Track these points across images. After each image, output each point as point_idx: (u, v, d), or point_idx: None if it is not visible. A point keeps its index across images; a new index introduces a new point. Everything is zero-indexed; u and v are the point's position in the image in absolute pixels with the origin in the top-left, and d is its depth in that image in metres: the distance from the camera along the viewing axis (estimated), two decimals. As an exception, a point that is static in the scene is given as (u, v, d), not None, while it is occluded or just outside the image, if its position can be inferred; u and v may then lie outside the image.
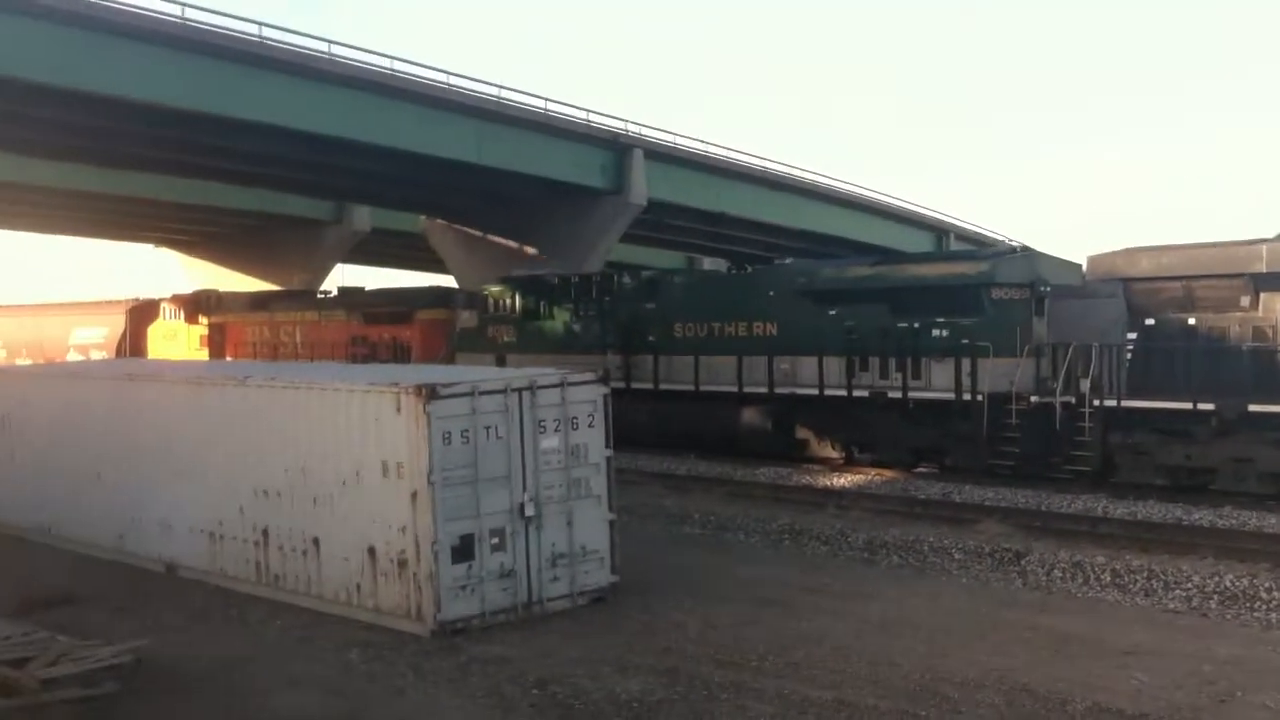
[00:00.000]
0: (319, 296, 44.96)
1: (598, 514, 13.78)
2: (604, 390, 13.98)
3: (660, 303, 28.83)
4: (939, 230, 66.23)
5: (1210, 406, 20.38)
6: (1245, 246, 21.74)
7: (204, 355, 42.14)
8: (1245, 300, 21.58)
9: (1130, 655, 11.64)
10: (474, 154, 39.15)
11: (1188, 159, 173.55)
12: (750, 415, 26.66)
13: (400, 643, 12.19)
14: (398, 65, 36.71)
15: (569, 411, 13.57)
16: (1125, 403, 21.33)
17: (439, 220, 49.24)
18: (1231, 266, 21.69)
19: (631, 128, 44.54)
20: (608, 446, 13.89)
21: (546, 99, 41.53)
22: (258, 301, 43.96)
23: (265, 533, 14.24)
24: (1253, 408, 20.01)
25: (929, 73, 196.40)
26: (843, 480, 23.79)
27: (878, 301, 24.66)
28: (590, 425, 13.75)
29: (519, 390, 13.22)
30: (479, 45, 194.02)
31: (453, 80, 38.34)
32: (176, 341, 44.23)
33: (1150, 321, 22.65)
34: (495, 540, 12.91)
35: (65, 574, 15.68)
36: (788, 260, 30.65)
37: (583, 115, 42.92)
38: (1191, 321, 22.21)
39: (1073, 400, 21.78)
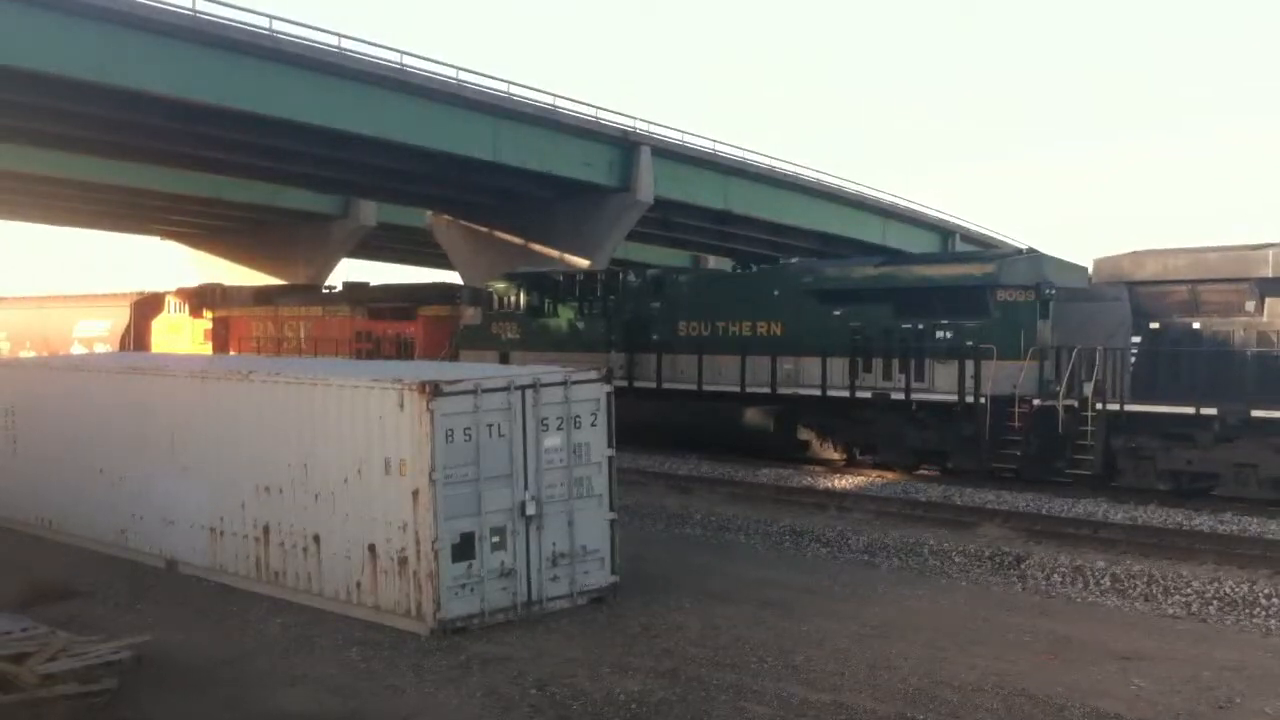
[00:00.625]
0: (324, 292, 44.97)
1: (599, 514, 13.77)
2: (607, 389, 13.97)
3: (665, 301, 28.81)
4: (945, 231, 66.16)
5: (1213, 411, 20.35)
6: (1251, 251, 21.70)
7: (208, 349, 42.18)
8: (1250, 305, 21.54)
9: (1129, 660, 11.64)
10: (484, 151, 39.15)
11: (1197, 161, 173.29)
12: (753, 415, 26.64)
13: (400, 641, 12.19)
14: (408, 60, 36.73)
15: (572, 410, 13.56)
16: (1128, 407, 21.30)
17: (445, 216, 49.24)
18: (1237, 271, 21.65)
19: (640, 125, 44.51)
20: (610, 446, 13.88)
21: (555, 95, 41.55)
22: (262, 296, 43.98)
23: (266, 529, 14.25)
24: (1256, 413, 19.97)
25: (936, 73, 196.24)
26: (844, 482, 23.77)
27: (882, 302, 24.64)
28: (593, 424, 13.75)
29: (522, 388, 13.22)
30: (487, 41, 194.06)
31: (463, 76, 38.35)
32: (180, 335, 44.27)
33: (1155, 325, 22.60)
34: (496, 539, 12.90)
35: (66, 569, 15.71)
36: (793, 260, 30.61)
37: (591, 112, 42.92)
38: (1196, 326, 22.16)
39: (1076, 403, 21.75)
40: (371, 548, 12.96)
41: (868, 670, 11.15)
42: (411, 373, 13.97)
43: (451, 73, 38.15)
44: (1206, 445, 20.64)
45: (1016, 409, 22.15)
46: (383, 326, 37.61)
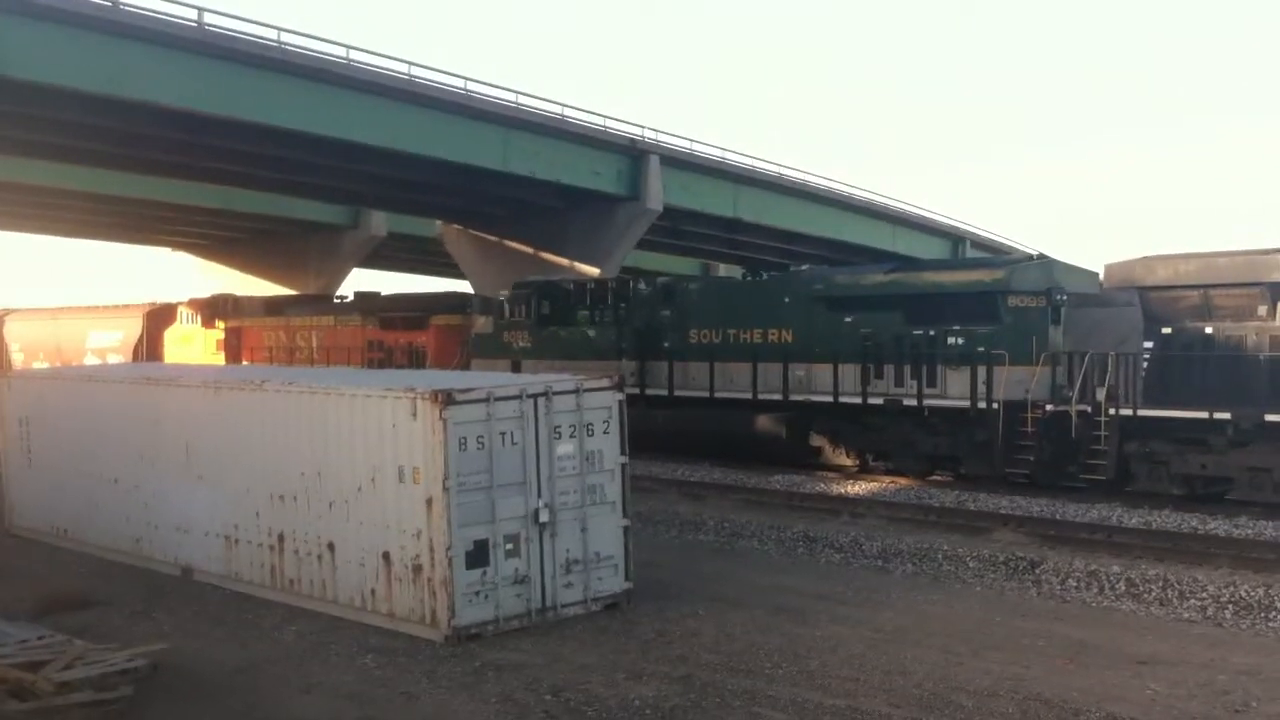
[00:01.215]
0: (335, 301, 45.06)
1: (612, 520, 13.80)
2: (619, 396, 14.01)
3: (676, 309, 28.85)
4: (955, 238, 66.08)
5: (1227, 416, 20.33)
6: (1263, 255, 21.70)
7: (220, 359, 42.26)
8: (1263, 309, 21.53)
9: (1145, 665, 11.62)
10: (494, 160, 39.20)
11: (1208, 165, 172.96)
12: (765, 422, 26.65)
13: (415, 648, 12.21)
14: (416, 71, 36.78)
15: (584, 418, 13.60)
16: (1141, 411, 21.29)
17: (455, 226, 49.32)
18: (1249, 275, 21.64)
19: (648, 134, 44.53)
20: (623, 453, 13.91)
21: (563, 105, 41.62)
22: (274, 306, 44.07)
23: (281, 537, 14.29)
24: (1269, 417, 19.96)
25: (946, 79, 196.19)
26: (857, 488, 23.77)
27: (893, 309, 24.66)
28: (605, 431, 13.78)
29: (535, 396, 13.25)
30: (494, 52, 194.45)
31: (471, 86, 38.37)
32: (193, 346, 44.38)
33: (1167, 330, 22.60)
34: (510, 546, 12.94)
35: (82, 577, 15.79)
36: (803, 267, 30.69)
37: (599, 121, 42.94)
38: (1209, 330, 22.16)
39: (1089, 409, 21.73)
40: (386, 555, 12.99)
41: (882, 675, 11.14)
42: (424, 382, 13.99)
43: (460, 83, 38.22)
44: (1220, 450, 20.62)
45: (1029, 414, 22.13)
46: (394, 336, 37.66)
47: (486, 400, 12.84)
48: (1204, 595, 14.81)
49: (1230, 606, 14.42)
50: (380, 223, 54.57)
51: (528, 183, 41.36)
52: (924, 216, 62.60)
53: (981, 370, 22.91)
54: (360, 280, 71.44)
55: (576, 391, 13.61)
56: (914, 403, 24.04)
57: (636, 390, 26.98)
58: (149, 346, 46.19)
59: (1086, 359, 21.97)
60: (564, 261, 44.56)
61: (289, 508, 14.18)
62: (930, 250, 61.15)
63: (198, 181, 44.48)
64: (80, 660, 11.11)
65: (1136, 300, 22.69)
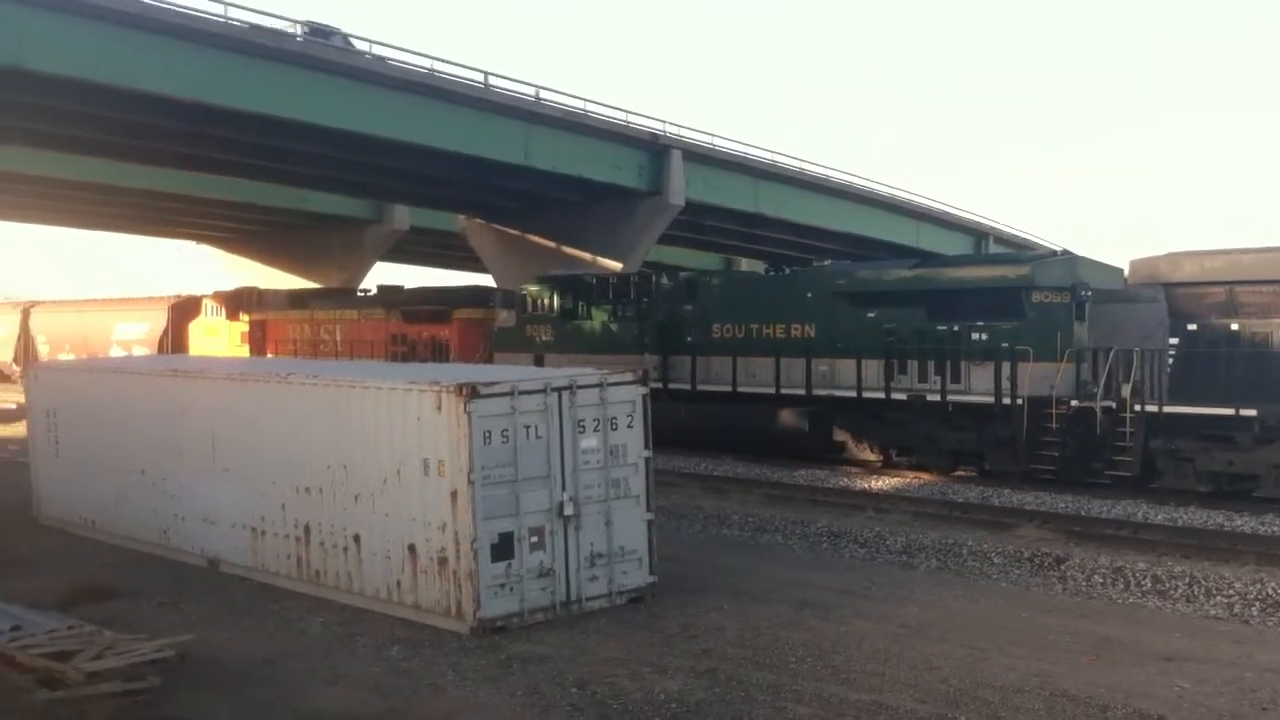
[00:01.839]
0: (358, 295, 45.19)
1: (636, 514, 13.80)
2: (643, 390, 14.01)
3: (698, 304, 28.85)
4: (978, 233, 65.81)
5: (1253, 412, 20.21)
6: (1290, 252, 21.54)
7: (245, 352, 42.44)
8: (1289, 306, 21.38)
9: (1171, 662, 11.57)
10: (515, 155, 39.21)
11: (1236, 161, 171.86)
12: (788, 417, 26.63)
13: (440, 640, 12.26)
14: (438, 65, 36.84)
15: (608, 411, 13.60)
16: (1167, 408, 21.18)
17: (477, 220, 49.38)
18: (1276, 272, 21.49)
19: (670, 128, 44.47)
20: (646, 447, 13.91)
21: (585, 99, 41.61)
22: (298, 299, 44.23)
23: (307, 529, 14.36)
24: (1296, 414, 19.82)
25: (966, 76, 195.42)
26: (881, 483, 23.74)
27: (916, 304, 24.61)
28: (629, 426, 13.79)
29: (559, 390, 13.27)
30: (516, 45, 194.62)
31: (492, 80, 38.39)
32: (218, 338, 44.57)
33: (1193, 326, 22.47)
34: (534, 539, 12.97)
35: (109, 568, 15.90)
36: (826, 262, 30.55)
37: (621, 116, 42.91)
38: (1235, 327, 22.03)
39: (1114, 405, 21.64)
40: (411, 547, 13.04)
41: (908, 671, 11.13)
42: (448, 375, 14.03)
43: (480, 77, 38.23)
44: (1246, 446, 20.50)
45: (1054, 410, 22.05)
46: (418, 329, 37.76)
47: (510, 393, 12.87)
48: (1230, 592, 14.75)
49: (1257, 603, 14.35)
50: (403, 216, 54.65)
51: (549, 177, 41.36)
52: (947, 212, 62.36)
53: (1005, 366, 22.83)
54: (383, 274, 71.74)
55: (600, 385, 13.62)
56: (937, 398, 23.99)
57: (659, 384, 26.99)
58: (174, 339, 46.42)
59: (1111, 355, 21.87)
60: (586, 256, 44.55)
61: (315, 500, 14.24)
62: (953, 246, 60.92)
63: (221, 175, 44.67)
64: (109, 650, 11.18)
65: (1162, 296, 22.57)
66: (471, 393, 12.52)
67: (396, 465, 13.23)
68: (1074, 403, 22.15)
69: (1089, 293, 22.91)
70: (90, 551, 17.14)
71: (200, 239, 63.25)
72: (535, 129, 39.56)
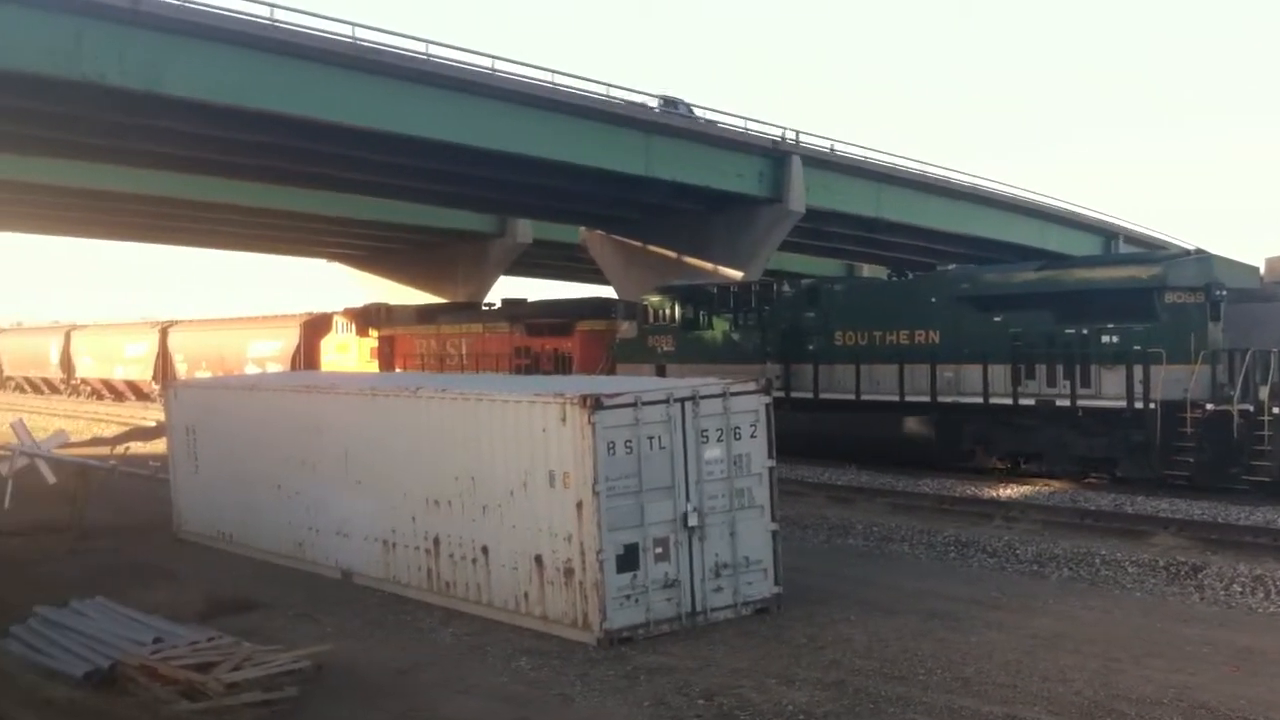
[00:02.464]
0: (483, 309, 45.81)
1: (760, 524, 13.78)
2: (766, 400, 13.99)
3: (820, 311, 28.68)
4: (1107, 233, 64.28)
5: (1400, 414, 19.45)
6: None
7: (374, 367, 43.27)
8: None
9: (1317, 674, 11.20)
10: (636, 166, 39.45)
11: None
12: (913, 424, 26.35)
13: (568, 651, 12.38)
14: (559, 79, 37.25)
15: (731, 421, 13.61)
16: (1308, 410, 20.48)
17: (598, 231, 49.77)
18: None
19: (789, 135, 44.31)
20: (770, 457, 13.89)
21: (705, 108, 41.77)
22: (425, 314, 44.99)
23: (436, 541, 14.61)
24: None
25: (1096, 73, 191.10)
26: (1009, 491, 23.33)
27: (1044, 307, 24.16)
28: (753, 435, 13.78)
29: (681, 400, 13.32)
30: (638, 56, 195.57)
31: (613, 92, 38.73)
32: (348, 354, 45.54)
33: None
34: (659, 550, 13.03)
35: (247, 581, 16.33)
36: (950, 266, 30.20)
37: (740, 124, 42.91)
38: None
39: (1251, 408, 21.00)
40: (538, 559, 13.20)
41: (1040, 682, 10.94)
42: (572, 387, 14.19)
43: (602, 89, 38.57)
44: (1394, 450, 19.74)
45: (1189, 414, 21.47)
46: (540, 342, 38.14)
47: (634, 405, 12.96)
48: (1380, 602, 14.21)
49: None
50: (526, 230, 55.31)
51: (669, 187, 41.51)
52: (1073, 212, 61.05)
53: (1137, 369, 22.30)
54: (507, 287, 72.56)
55: (723, 395, 13.64)
56: (1067, 403, 23.51)
57: (782, 393, 26.89)
58: (306, 355, 47.54)
59: (1248, 356, 21.23)
60: (707, 265, 44.60)
61: (444, 512, 14.49)
62: (1081, 247, 59.61)
63: (350, 194, 45.74)
64: (248, 661, 11.50)
65: (1301, 295, 21.88)
66: (595, 404, 12.64)
67: (523, 477, 13.40)
68: (1209, 406, 21.55)
69: (1224, 292, 22.28)
70: (228, 565, 17.63)
71: (330, 257, 64.82)
72: (655, 139, 39.76)
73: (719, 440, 13.52)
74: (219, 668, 11.30)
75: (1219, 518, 19.55)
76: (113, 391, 61.47)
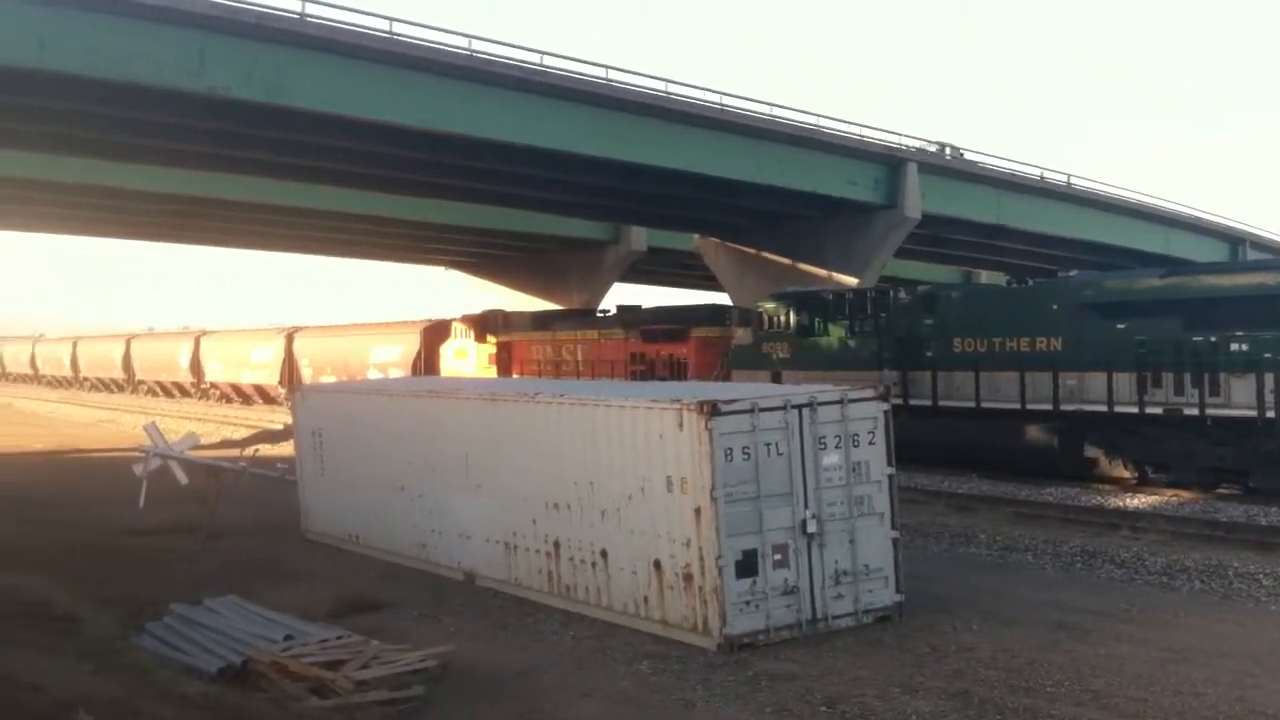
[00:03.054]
0: (598, 315, 46.08)
1: (880, 532, 13.68)
2: (885, 407, 13.89)
3: (938, 318, 28.33)
4: (1233, 239, 62.57)
5: None
6: None
7: (492, 373, 43.77)
8: None
9: None
10: (749, 173, 39.45)
11: None
12: (1034, 433, 25.88)
13: (688, 656, 12.41)
14: (673, 89, 37.42)
15: (849, 428, 13.54)
16: None
17: (713, 238, 49.83)
18: None
19: (905, 141, 44.02)
20: (890, 464, 13.78)
21: (818, 115, 41.61)
22: (541, 321, 45.41)
23: (556, 544, 14.75)
24: None
25: (1226, 79, 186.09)
26: (1136, 501, 22.80)
27: (1170, 314, 23.55)
28: (871, 442, 13.69)
29: (799, 407, 13.28)
30: (747, 65, 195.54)
31: (725, 100, 38.78)
32: (466, 360, 46.11)
33: None
34: (778, 556, 13.00)
35: (373, 581, 16.66)
36: (1072, 272, 29.56)
37: (855, 131, 42.69)
38: None
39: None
40: (657, 563, 13.25)
41: (1173, 696, 10.68)
42: (688, 393, 14.23)
43: (715, 98, 38.63)
44: None
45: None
46: (655, 348, 38.24)
47: (751, 411, 12.96)
48: None
49: None
50: (640, 237, 55.59)
51: (783, 194, 41.44)
52: (1198, 217, 59.58)
53: (1269, 377, 21.64)
54: (621, 294, 72.88)
55: (841, 402, 13.57)
56: (1195, 412, 22.90)
57: (899, 401, 26.60)
58: (426, 361, 48.24)
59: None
60: (822, 272, 44.41)
61: (563, 516, 14.62)
62: (1206, 253, 58.13)
63: (468, 203, 46.41)
64: (375, 660, 11.74)
65: None
66: (713, 410, 12.66)
67: (640, 482, 13.47)
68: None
69: (1359, 298, 21.51)
70: (354, 565, 17.99)
71: (448, 264, 65.82)
72: (769, 146, 39.73)
73: (837, 447, 13.46)
74: (347, 666, 11.55)
75: (1358, 531, 18.88)
76: (240, 395, 62.99)
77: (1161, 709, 10.36)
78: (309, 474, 20.74)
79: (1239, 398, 22.28)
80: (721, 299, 49.68)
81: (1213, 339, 22.76)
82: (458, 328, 47.41)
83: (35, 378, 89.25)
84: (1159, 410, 23.45)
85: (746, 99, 39.73)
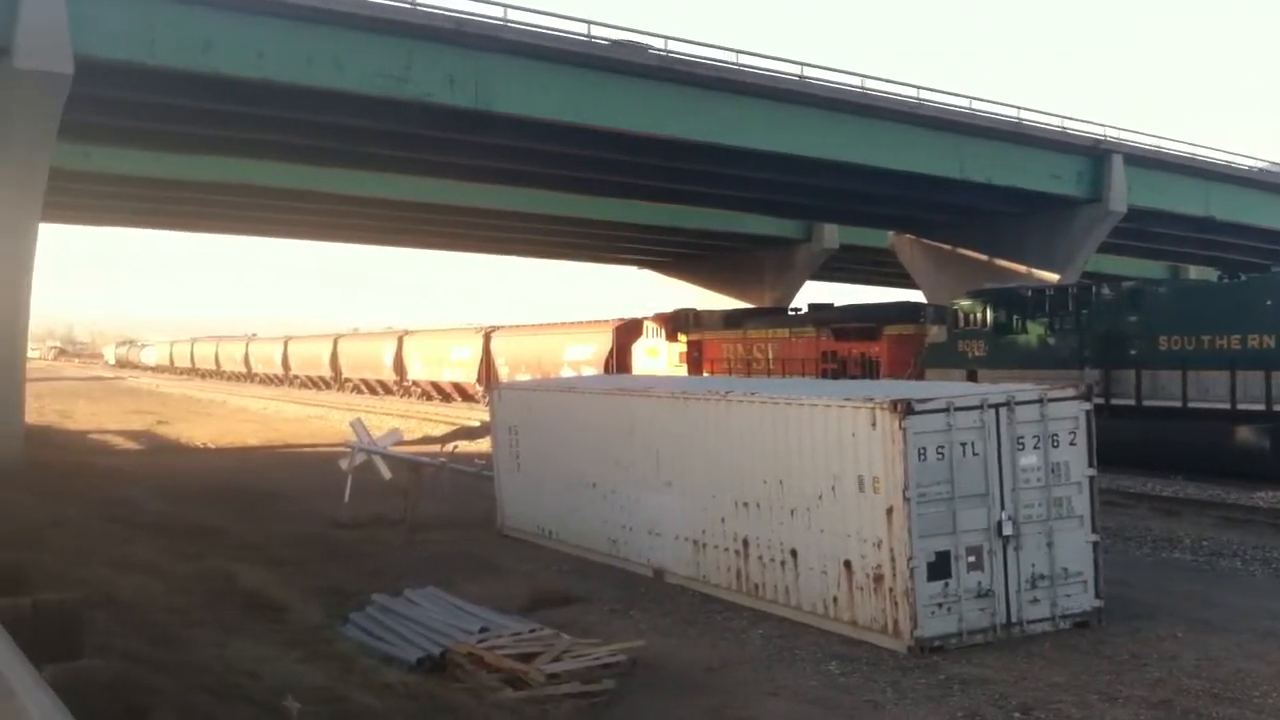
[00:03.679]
0: (789, 314, 45.91)
1: (1079, 535, 13.30)
2: (1086, 406, 13.49)
3: (1143, 314, 27.39)
4: None
5: None
6: None
7: (683, 371, 44.03)
8: None
9: None
10: (948, 169, 38.84)
11: None
12: (1245, 434, 24.80)
13: (877, 657, 12.29)
14: (869, 84, 37.06)
15: (1048, 428, 13.20)
16: None
17: (907, 235, 49.14)
18: None
19: (1110, 133, 42.68)
20: (1091, 465, 13.39)
21: (1019, 108, 40.71)
22: (732, 319, 45.48)
23: (745, 543, 14.77)
24: None
25: None
26: (1355, 507, 21.61)
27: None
28: (1071, 443, 13.31)
29: (996, 406, 13.01)
30: (948, 59, 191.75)
31: (923, 95, 38.25)
32: (657, 358, 46.52)
33: None
34: (972, 559, 12.75)
35: (565, 575, 16.94)
36: (1288, 267, 28.28)
37: (1057, 123, 41.59)
38: None
39: None
40: (847, 564, 13.15)
41: (1394, 713, 10.14)
42: (881, 392, 14.07)
43: (912, 93, 38.16)
44: None
45: None
46: (847, 346, 37.93)
47: (946, 410, 12.74)
48: None
49: None
50: (832, 235, 55.22)
51: (981, 189, 40.63)
52: None
53: None
54: (813, 292, 72.44)
55: (1040, 401, 13.24)
56: None
57: (1101, 400, 25.78)
58: (618, 359, 48.84)
59: None
60: (1020, 268, 43.40)
61: (753, 514, 14.63)
62: None
63: (658, 202, 46.84)
64: (567, 653, 11.94)
65: None
66: (907, 409, 12.50)
67: (831, 481, 13.38)
68: None
69: None
70: (548, 559, 18.32)
71: (640, 264, 66.50)
72: (968, 141, 39.04)
73: (1035, 447, 13.13)
74: (540, 658, 11.78)
75: None
76: (440, 393, 64.77)
77: (1381, 726, 9.86)
78: (505, 470, 21.17)
79: None
80: (914, 297, 49.01)
81: None
82: (649, 326, 47.84)
83: (249, 375, 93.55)
84: (1384, 412, 22.21)
85: (945, 93, 39.20)
